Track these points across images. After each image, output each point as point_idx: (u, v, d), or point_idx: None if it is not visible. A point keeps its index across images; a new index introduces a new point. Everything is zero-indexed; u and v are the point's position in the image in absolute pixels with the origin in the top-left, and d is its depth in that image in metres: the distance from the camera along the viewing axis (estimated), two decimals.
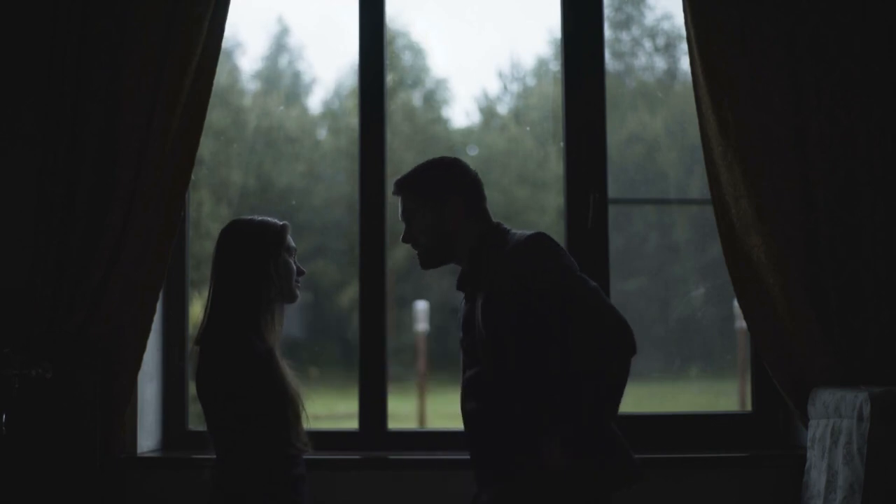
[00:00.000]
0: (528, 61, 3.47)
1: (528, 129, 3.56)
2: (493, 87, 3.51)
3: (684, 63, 3.30)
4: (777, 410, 3.03)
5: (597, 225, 3.06)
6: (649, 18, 3.41)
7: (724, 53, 2.79)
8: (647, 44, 3.42)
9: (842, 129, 2.81)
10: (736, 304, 2.90)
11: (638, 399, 3.21)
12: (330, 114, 3.55)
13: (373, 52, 3.12)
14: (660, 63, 3.45)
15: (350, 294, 3.30)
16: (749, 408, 3.11)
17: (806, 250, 2.81)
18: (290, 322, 2.59)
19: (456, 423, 2.41)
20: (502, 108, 3.57)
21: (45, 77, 2.85)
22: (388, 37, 3.17)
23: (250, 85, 3.52)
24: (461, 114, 3.56)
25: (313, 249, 3.38)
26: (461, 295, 2.43)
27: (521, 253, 2.21)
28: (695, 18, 2.82)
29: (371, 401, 3.05)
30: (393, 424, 3.08)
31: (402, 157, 3.27)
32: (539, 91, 3.48)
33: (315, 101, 3.58)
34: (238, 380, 2.33)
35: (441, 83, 3.56)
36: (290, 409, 2.38)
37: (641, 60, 3.43)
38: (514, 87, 3.51)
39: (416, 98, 3.58)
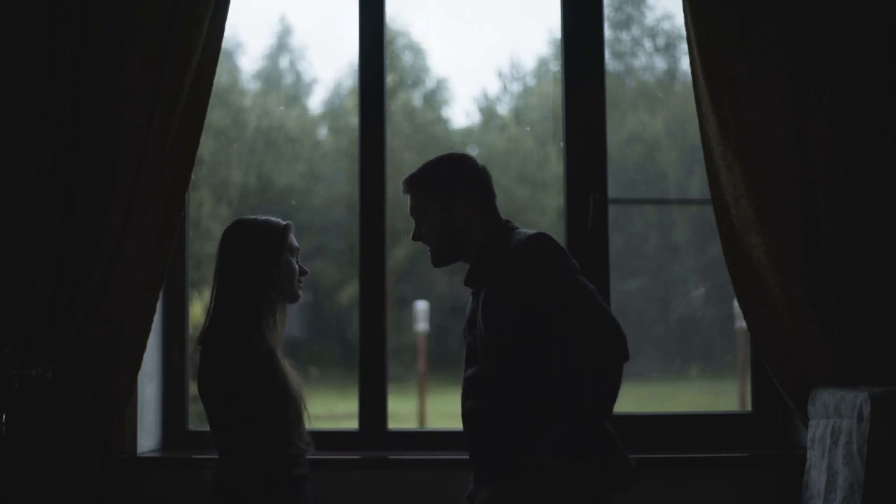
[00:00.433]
0: (528, 61, 3.48)
1: (528, 129, 3.55)
2: (493, 87, 3.51)
3: (684, 63, 3.30)
4: (777, 410, 3.02)
5: (597, 225, 3.06)
6: (649, 18, 3.41)
7: (724, 53, 2.79)
8: (647, 44, 3.42)
9: (842, 129, 2.81)
10: (736, 304, 2.90)
11: (638, 399, 3.21)
12: (330, 114, 3.55)
13: (373, 52, 3.12)
14: (660, 63, 3.45)
15: (350, 294, 3.30)
16: (749, 408, 3.10)
17: (806, 250, 2.81)
18: (290, 322, 2.58)
19: (456, 424, 2.40)
20: (502, 108, 3.57)
21: (45, 77, 2.85)
22: (388, 37, 3.17)
23: (250, 85, 3.52)
24: (461, 114, 3.56)
25: (313, 249, 3.38)
26: (464, 294, 2.42)
27: (521, 252, 2.21)
28: (695, 18, 2.82)
29: (371, 401, 3.05)
30: (393, 424, 3.08)
31: (402, 157, 3.26)
32: (539, 91, 3.48)
33: (315, 101, 3.59)
34: (239, 380, 2.33)
35: (441, 83, 3.56)
36: (291, 409, 2.37)
37: (641, 60, 3.43)
38: (514, 87, 3.51)
39: (416, 98, 3.58)
